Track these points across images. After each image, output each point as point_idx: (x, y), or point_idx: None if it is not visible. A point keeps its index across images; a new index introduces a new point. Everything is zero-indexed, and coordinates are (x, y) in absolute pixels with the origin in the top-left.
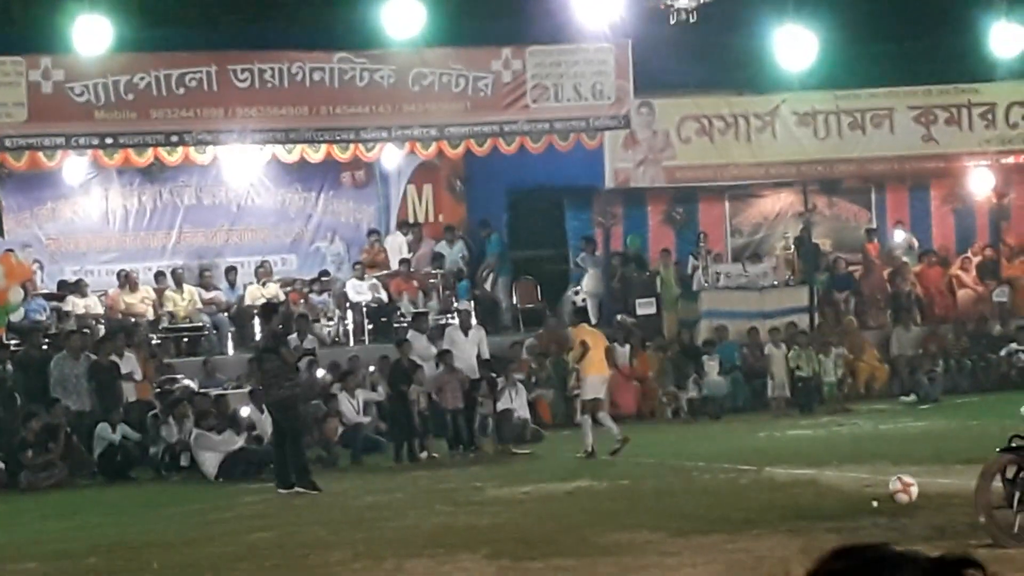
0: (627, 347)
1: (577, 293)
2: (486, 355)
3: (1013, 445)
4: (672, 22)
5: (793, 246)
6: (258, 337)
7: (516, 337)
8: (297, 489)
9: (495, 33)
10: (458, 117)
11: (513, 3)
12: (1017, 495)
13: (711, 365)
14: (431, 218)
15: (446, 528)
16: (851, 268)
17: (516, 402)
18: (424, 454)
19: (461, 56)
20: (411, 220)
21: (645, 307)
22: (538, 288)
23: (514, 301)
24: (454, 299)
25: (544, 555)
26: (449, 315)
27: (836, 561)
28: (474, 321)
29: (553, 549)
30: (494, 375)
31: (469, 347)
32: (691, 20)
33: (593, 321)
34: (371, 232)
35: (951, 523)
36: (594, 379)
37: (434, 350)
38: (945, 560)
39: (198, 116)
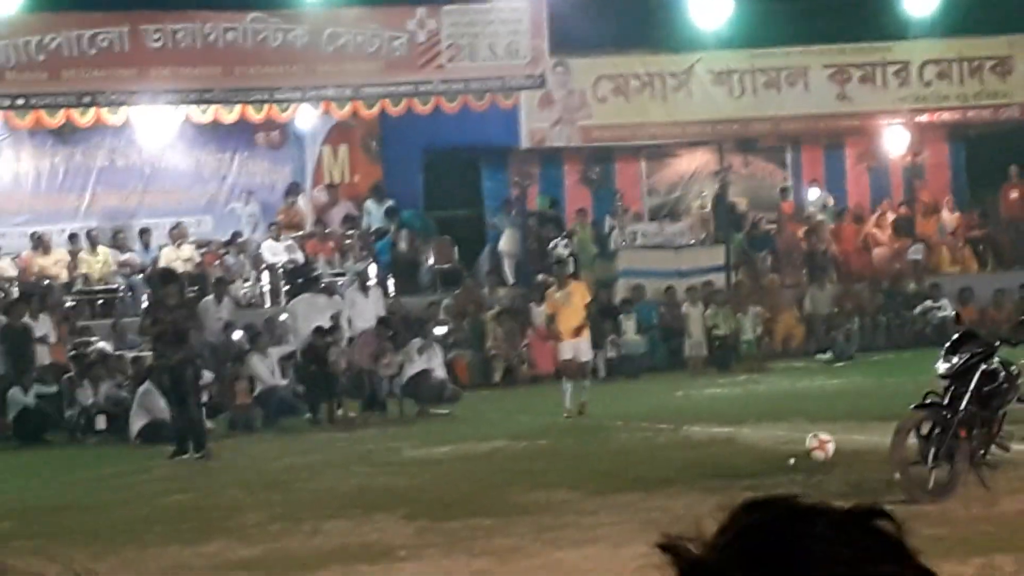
0: (543, 307)
1: (557, 247)
2: (382, 314)
3: (928, 402)
4: None
5: (711, 205)
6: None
7: (433, 297)
8: (194, 456)
9: None
10: (373, 77)
11: None
12: (932, 451)
13: (628, 324)
14: (347, 179)
15: (363, 489)
16: (767, 227)
17: (434, 362)
18: (340, 412)
19: (375, 15)
20: (327, 181)
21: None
22: (455, 248)
23: (431, 262)
24: (372, 259)
25: (462, 515)
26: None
27: (747, 514)
28: (372, 281)
29: (471, 509)
30: (392, 334)
31: (368, 307)
32: None
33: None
34: (288, 193)
35: (867, 480)
36: (564, 344)
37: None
38: (855, 511)
39: (110, 77)
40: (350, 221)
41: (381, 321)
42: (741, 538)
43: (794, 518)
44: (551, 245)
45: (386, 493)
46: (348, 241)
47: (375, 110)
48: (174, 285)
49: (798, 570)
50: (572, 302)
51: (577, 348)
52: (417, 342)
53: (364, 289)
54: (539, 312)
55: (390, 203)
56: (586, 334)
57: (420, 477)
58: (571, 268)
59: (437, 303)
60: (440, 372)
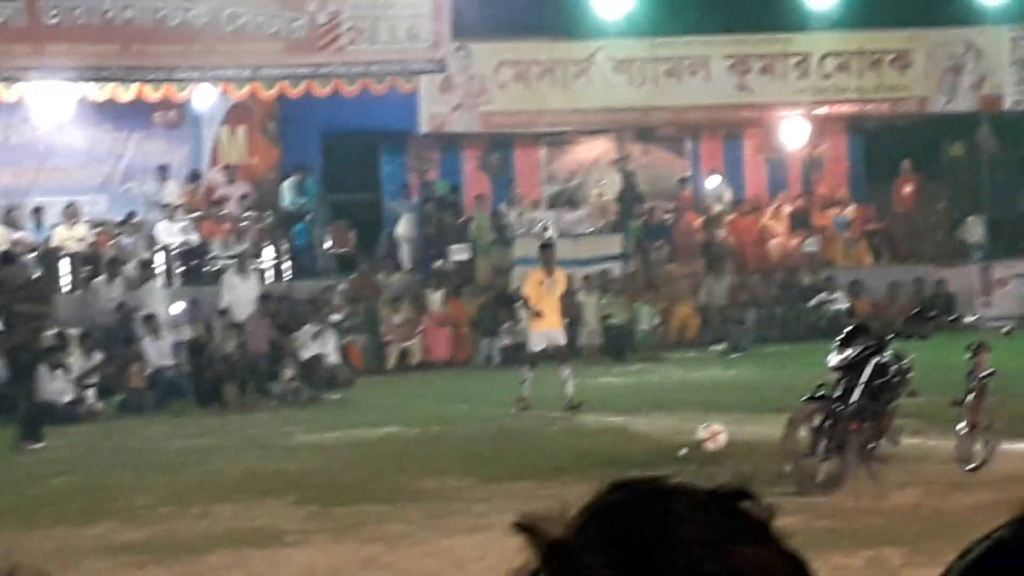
0: (440, 293)
1: (545, 229)
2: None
3: (820, 394)
4: None
5: (617, 194)
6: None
7: (329, 282)
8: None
9: None
10: (272, 58)
11: None
12: (823, 444)
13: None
14: (244, 160)
15: (254, 473)
16: (665, 216)
17: (327, 347)
18: (228, 398)
19: None
20: (224, 162)
21: (459, 253)
22: (352, 232)
23: (327, 246)
24: (285, 242)
25: (353, 501)
26: (259, 258)
27: (612, 493)
28: (253, 265)
29: (362, 495)
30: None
31: (247, 291)
32: None
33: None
34: (190, 174)
35: (758, 471)
36: (535, 332)
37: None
38: (719, 492)
39: (5, 52)
40: (245, 200)
41: (267, 305)
42: (601, 517)
43: (656, 498)
44: (538, 227)
45: (276, 478)
46: (244, 223)
47: (274, 92)
48: (12, 267)
49: (658, 549)
50: (555, 291)
51: (554, 336)
52: (311, 327)
53: (243, 272)
54: (435, 299)
55: (309, 180)
56: (561, 321)
57: (311, 462)
58: (556, 253)
59: (332, 288)
60: (334, 357)
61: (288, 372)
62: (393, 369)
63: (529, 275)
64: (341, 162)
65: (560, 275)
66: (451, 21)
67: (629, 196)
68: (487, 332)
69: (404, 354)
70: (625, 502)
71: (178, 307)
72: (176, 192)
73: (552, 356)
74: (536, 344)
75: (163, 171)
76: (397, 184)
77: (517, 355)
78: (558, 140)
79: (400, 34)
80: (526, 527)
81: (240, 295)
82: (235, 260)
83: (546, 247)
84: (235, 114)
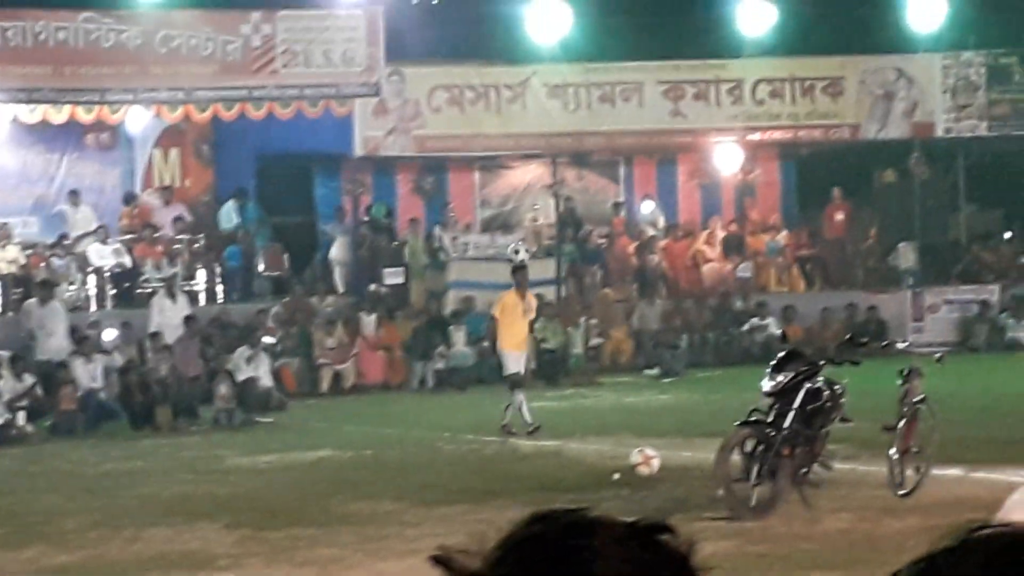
0: (374, 316)
1: (517, 251)
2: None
3: (752, 419)
4: (414, 2)
5: (555, 218)
6: None
7: (262, 305)
8: None
9: None
10: (206, 81)
11: None
12: (755, 469)
13: (458, 336)
14: (178, 182)
15: (186, 497)
16: (599, 241)
17: (260, 370)
18: (160, 421)
19: (210, 19)
20: (157, 184)
21: (393, 276)
22: (285, 255)
23: (260, 268)
24: (218, 264)
25: (285, 524)
26: (193, 281)
27: (531, 526)
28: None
29: (294, 518)
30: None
31: (175, 314)
32: (433, 0)
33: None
34: (127, 196)
35: (691, 496)
36: (511, 354)
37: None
38: (638, 525)
39: None
40: (181, 224)
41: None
42: (519, 551)
43: (575, 532)
44: (510, 248)
45: (209, 501)
46: (177, 246)
47: (208, 114)
48: None
49: None
50: (527, 314)
51: (522, 360)
52: (244, 350)
53: (172, 295)
54: (369, 322)
55: (251, 205)
56: (528, 346)
57: (243, 486)
58: (529, 275)
59: (266, 311)
60: (267, 380)
61: (221, 395)
62: (327, 392)
63: (502, 297)
64: (275, 185)
65: (532, 299)
66: (385, 45)
67: (568, 220)
68: (421, 356)
69: (338, 377)
70: (543, 535)
71: (110, 330)
72: (89, 217)
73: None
74: (513, 367)
75: (75, 196)
76: (331, 207)
77: (450, 379)
78: (492, 164)
79: (334, 58)
80: (442, 560)
81: (170, 318)
82: (166, 283)
83: (519, 269)
84: (168, 136)
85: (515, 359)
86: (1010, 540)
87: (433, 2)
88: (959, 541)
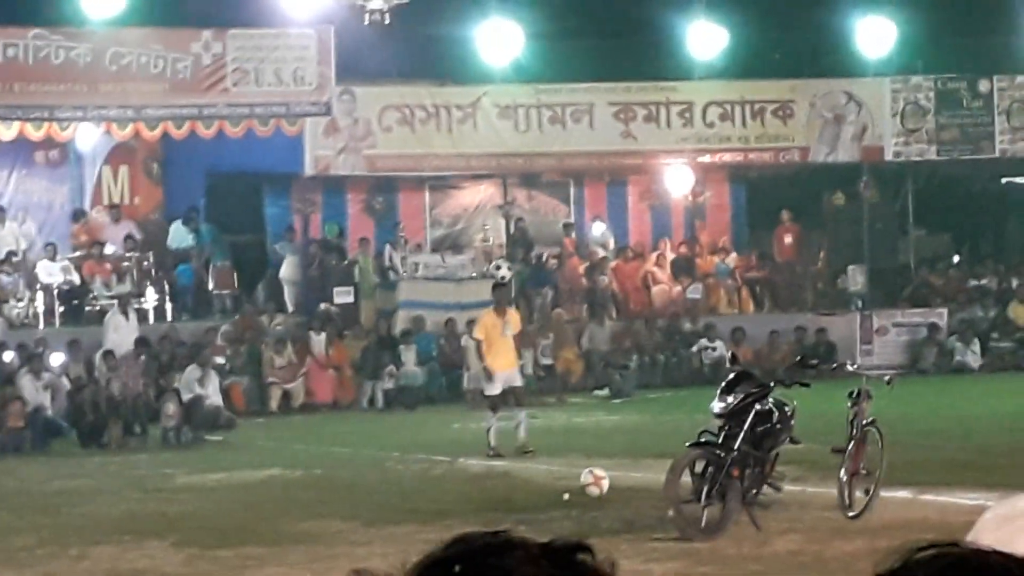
0: (323, 335)
1: (499, 268)
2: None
3: (702, 440)
4: (366, 23)
5: (506, 238)
6: None
7: (212, 323)
8: None
9: (196, 15)
10: (156, 98)
11: None
12: (705, 490)
13: (408, 355)
14: (127, 200)
15: (134, 515)
16: (550, 262)
17: (209, 389)
18: (109, 439)
19: (160, 36)
20: (107, 202)
21: (343, 296)
22: (235, 274)
23: (211, 287)
24: (168, 283)
25: (234, 543)
26: (142, 299)
27: (449, 548)
28: (144, 304)
29: (243, 537)
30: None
31: (129, 332)
32: (385, 20)
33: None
34: (77, 213)
35: (640, 516)
36: (497, 374)
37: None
38: (555, 546)
39: None
40: (131, 242)
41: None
42: (434, 571)
43: (490, 552)
44: (492, 266)
45: (157, 519)
46: (126, 263)
47: (157, 132)
48: None
49: None
50: (508, 331)
51: (510, 377)
52: (193, 368)
53: (125, 313)
54: (318, 341)
55: (206, 226)
56: (516, 362)
57: (192, 504)
58: (511, 293)
59: (215, 329)
60: (216, 399)
61: (168, 413)
62: (276, 411)
63: (481, 317)
64: (225, 203)
65: (513, 315)
66: (336, 65)
67: (519, 241)
68: (371, 375)
69: (287, 396)
70: (459, 557)
71: (58, 347)
72: (15, 233)
73: (506, 397)
74: (495, 388)
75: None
76: (281, 226)
77: (400, 398)
78: (443, 184)
79: (285, 77)
80: None
81: (124, 336)
82: (117, 301)
83: (499, 287)
84: (118, 154)
85: (500, 379)
86: (953, 561)
87: (385, 22)
88: (903, 562)
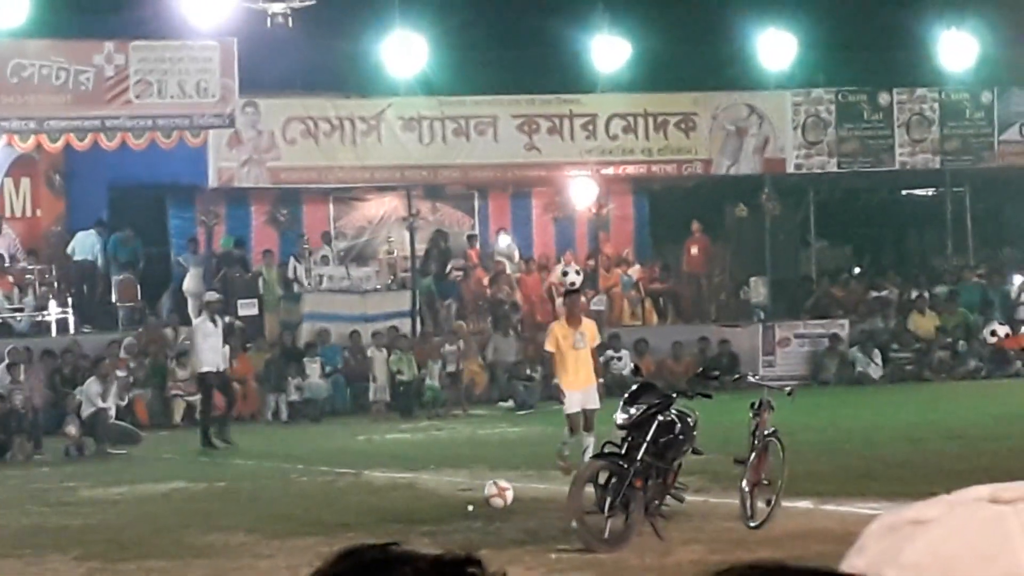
0: (227, 348)
1: (566, 274)
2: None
3: (605, 452)
4: (268, 25)
5: (425, 251)
6: None
7: (115, 335)
8: None
9: (98, 26)
10: (59, 110)
11: None
12: (608, 501)
13: (312, 368)
14: (28, 213)
15: (36, 529)
16: (454, 274)
17: (111, 401)
18: (14, 453)
19: (62, 48)
20: (7, 214)
21: (247, 308)
22: (138, 286)
23: (114, 299)
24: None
25: (137, 556)
26: (44, 312)
27: (339, 562)
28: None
29: (146, 550)
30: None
31: (217, 339)
32: (288, 24)
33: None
34: None
35: (544, 527)
36: (571, 395)
37: None
38: (444, 559)
39: None
40: (33, 256)
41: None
42: None
43: (378, 567)
44: (563, 272)
45: (59, 533)
46: (28, 276)
47: (60, 144)
48: None
49: None
50: (581, 345)
51: (587, 396)
52: (96, 381)
53: (214, 320)
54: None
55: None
56: (594, 379)
57: (95, 517)
58: (582, 300)
59: (119, 342)
60: (119, 411)
61: (69, 427)
62: (180, 424)
63: (552, 330)
64: (129, 216)
65: (589, 325)
66: (240, 77)
67: (435, 253)
68: (275, 387)
69: (191, 409)
70: (346, 573)
71: None
72: None
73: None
74: (572, 406)
75: None
76: (185, 238)
77: (304, 410)
78: (347, 196)
79: (188, 88)
80: None
81: (211, 343)
82: (206, 307)
83: (571, 293)
84: (19, 166)
85: (574, 400)
86: None
87: (288, 26)
88: None
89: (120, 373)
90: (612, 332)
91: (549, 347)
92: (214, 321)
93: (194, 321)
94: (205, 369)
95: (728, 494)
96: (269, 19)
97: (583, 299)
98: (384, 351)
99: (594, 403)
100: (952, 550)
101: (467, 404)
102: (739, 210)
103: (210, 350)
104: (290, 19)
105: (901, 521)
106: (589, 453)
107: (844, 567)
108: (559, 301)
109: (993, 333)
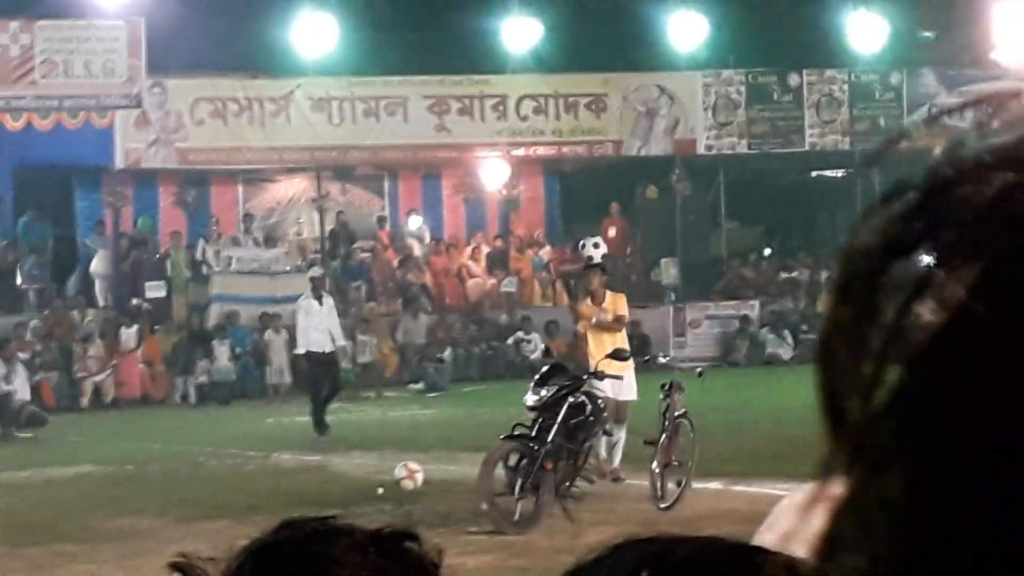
0: (135, 330)
1: (586, 246)
2: None
3: (516, 433)
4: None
5: (320, 232)
6: None
7: (20, 318)
8: None
9: (3, 5)
10: None
11: None
12: (519, 482)
13: (221, 350)
14: None
15: None
16: (363, 256)
17: (16, 384)
18: None
19: None
20: None
21: (155, 290)
22: (46, 269)
23: (19, 281)
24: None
25: (44, 541)
26: None
27: (275, 533)
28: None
29: (54, 535)
30: None
31: (321, 319)
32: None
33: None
34: None
35: (455, 510)
36: (609, 380)
37: None
38: (381, 533)
39: None
40: None
41: None
42: (258, 557)
43: (316, 539)
44: (581, 244)
45: None
46: None
47: None
48: None
49: None
50: (606, 319)
51: (618, 384)
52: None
53: (319, 298)
54: (129, 335)
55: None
56: (630, 363)
57: (1, 501)
58: (606, 275)
59: (24, 324)
60: (24, 394)
61: None
62: (87, 407)
63: (578, 308)
64: (34, 197)
65: (616, 299)
66: (147, 57)
67: (340, 235)
68: (183, 370)
69: (98, 392)
70: (283, 542)
71: None
72: None
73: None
74: (609, 391)
75: None
76: (92, 220)
77: (213, 393)
78: (256, 178)
79: (95, 69)
80: (181, 567)
81: (313, 322)
82: (311, 284)
83: (593, 266)
84: None
85: (611, 385)
86: (650, 552)
87: (196, 6)
88: (595, 557)
89: (24, 355)
90: (523, 314)
91: (581, 328)
92: (319, 299)
93: (299, 300)
94: (309, 349)
95: (639, 475)
96: None
97: (602, 274)
98: (284, 332)
99: (627, 394)
100: None
101: (377, 386)
102: (650, 191)
103: (314, 329)
104: None
105: (811, 498)
106: (619, 450)
107: (754, 543)
108: (469, 283)
109: None
